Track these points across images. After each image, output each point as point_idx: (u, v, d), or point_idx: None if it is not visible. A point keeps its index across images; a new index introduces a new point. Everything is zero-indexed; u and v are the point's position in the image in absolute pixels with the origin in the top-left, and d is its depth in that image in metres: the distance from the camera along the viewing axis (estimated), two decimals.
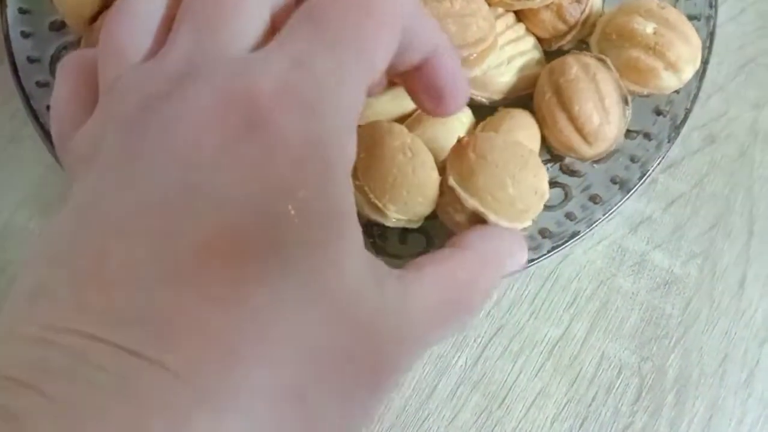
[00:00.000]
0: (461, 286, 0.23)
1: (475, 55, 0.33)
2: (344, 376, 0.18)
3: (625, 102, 0.36)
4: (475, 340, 0.38)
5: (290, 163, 0.18)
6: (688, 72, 0.35)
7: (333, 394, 0.18)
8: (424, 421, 0.37)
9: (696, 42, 0.35)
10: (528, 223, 0.33)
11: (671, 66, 0.35)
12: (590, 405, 0.37)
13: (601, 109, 0.34)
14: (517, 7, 0.36)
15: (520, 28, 0.38)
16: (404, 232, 0.36)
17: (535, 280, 0.39)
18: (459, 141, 0.33)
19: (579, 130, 0.35)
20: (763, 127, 0.44)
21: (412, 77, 0.25)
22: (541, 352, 0.38)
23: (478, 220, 0.32)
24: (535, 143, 0.36)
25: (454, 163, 0.32)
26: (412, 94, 0.26)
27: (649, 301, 0.40)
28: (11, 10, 0.37)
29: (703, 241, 0.41)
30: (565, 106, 0.35)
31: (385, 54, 0.21)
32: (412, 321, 0.21)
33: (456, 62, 0.25)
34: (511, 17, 0.38)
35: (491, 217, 0.32)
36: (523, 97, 0.38)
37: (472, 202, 0.31)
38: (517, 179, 0.31)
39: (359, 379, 0.19)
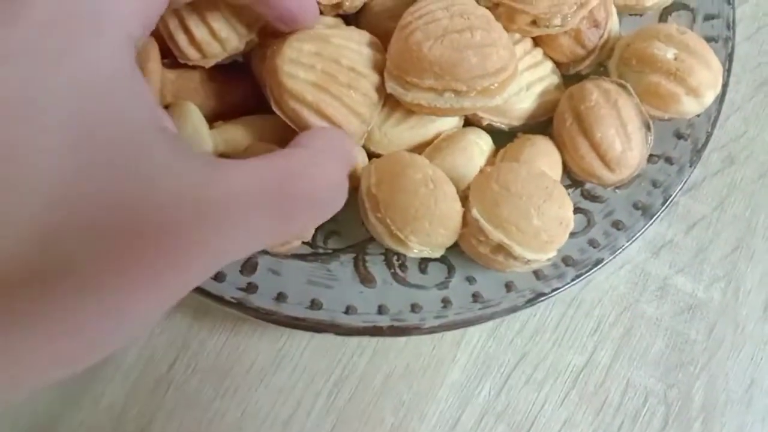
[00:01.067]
0: (286, 175, 0.22)
1: (496, 84, 0.32)
2: (127, 239, 0.17)
3: (647, 128, 0.35)
4: (498, 369, 0.38)
5: None
6: (710, 97, 0.35)
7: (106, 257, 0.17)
8: None
9: (717, 67, 0.35)
10: (553, 254, 0.33)
11: (692, 91, 0.34)
12: None
13: (624, 136, 0.34)
14: (536, 33, 0.36)
15: (538, 53, 0.38)
16: (424, 261, 0.36)
17: (558, 306, 0.39)
18: (482, 171, 0.32)
19: (601, 157, 0.34)
20: None
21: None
22: (566, 381, 0.38)
23: (501, 251, 0.32)
24: (557, 170, 0.35)
25: (477, 194, 0.32)
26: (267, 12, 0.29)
27: (673, 327, 0.39)
28: None
29: (725, 264, 0.41)
30: (587, 133, 0.34)
31: None
32: (219, 199, 0.20)
33: None
34: (528, 42, 0.38)
35: (516, 248, 0.31)
36: (541, 122, 0.38)
37: (496, 234, 0.31)
38: (542, 210, 0.31)
39: (148, 245, 0.18)
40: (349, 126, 0.32)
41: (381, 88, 0.33)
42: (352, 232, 0.36)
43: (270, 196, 0.21)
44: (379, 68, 0.33)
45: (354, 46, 0.32)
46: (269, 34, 0.33)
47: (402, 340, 0.38)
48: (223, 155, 0.35)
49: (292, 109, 0.32)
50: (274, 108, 0.33)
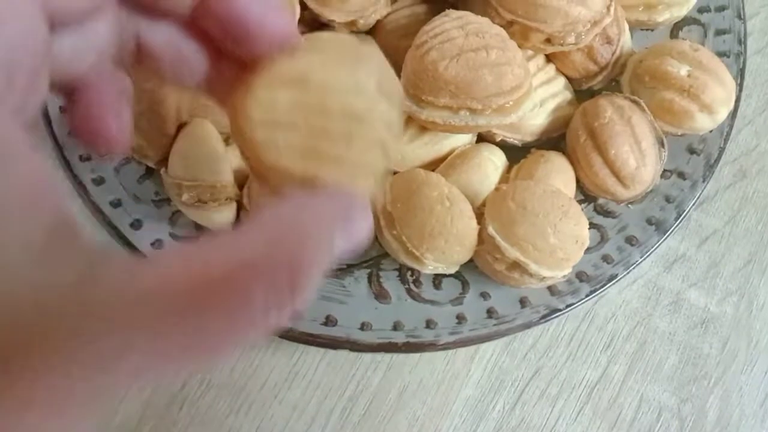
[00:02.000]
0: (203, 282, 0.16)
1: (511, 102, 0.32)
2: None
3: (661, 144, 0.35)
4: (512, 384, 0.38)
5: None
6: (723, 113, 0.35)
7: None
8: None
9: (730, 83, 0.35)
10: (568, 271, 0.33)
11: (706, 108, 0.35)
12: None
13: (638, 152, 0.34)
14: (550, 51, 0.36)
15: (551, 69, 0.38)
16: (438, 277, 0.36)
17: (571, 321, 0.39)
18: (497, 189, 0.32)
19: (615, 174, 0.34)
20: None
21: (205, 16, 0.20)
22: (580, 396, 0.38)
23: (517, 268, 0.32)
24: (571, 186, 0.36)
25: (493, 211, 0.32)
26: (227, 43, 0.21)
27: (686, 341, 0.39)
28: None
29: (738, 278, 0.41)
30: (601, 150, 0.34)
31: None
32: (88, 311, 0.15)
33: None
34: (541, 59, 0.38)
35: (532, 266, 0.31)
36: (554, 137, 0.38)
37: (513, 252, 0.31)
38: (559, 228, 0.31)
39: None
40: (356, 186, 0.21)
41: (394, 120, 0.22)
42: (366, 248, 0.37)
43: (173, 310, 0.15)
44: (388, 89, 0.21)
45: (345, 74, 0.20)
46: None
47: (416, 355, 0.38)
48: (241, 172, 0.35)
49: (277, 186, 0.21)
50: (254, 177, 0.25)
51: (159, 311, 0.15)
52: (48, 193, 0.16)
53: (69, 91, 0.21)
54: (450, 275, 0.36)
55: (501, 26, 0.34)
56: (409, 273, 0.36)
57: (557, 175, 0.35)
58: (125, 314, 0.15)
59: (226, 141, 0.35)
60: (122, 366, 0.15)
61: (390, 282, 0.36)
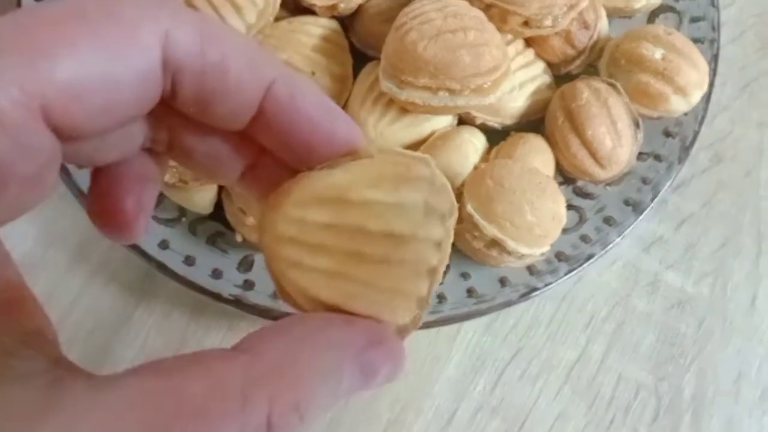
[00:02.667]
0: (183, 408, 0.14)
1: (489, 83, 0.33)
2: None
3: (637, 125, 0.36)
4: (492, 365, 0.38)
5: None
6: (697, 95, 0.36)
7: None
8: None
9: (703, 66, 0.36)
10: (546, 248, 0.33)
11: (680, 90, 0.35)
12: (609, 427, 0.37)
13: (614, 133, 0.35)
14: (528, 34, 0.36)
15: (530, 54, 0.39)
16: None
17: (551, 302, 0.40)
18: (476, 168, 0.33)
19: (592, 154, 0.35)
20: (767, 145, 0.44)
21: (263, 129, 0.18)
22: (559, 375, 0.38)
23: (496, 246, 0.33)
24: (549, 167, 0.36)
25: (471, 190, 0.32)
26: (281, 151, 0.19)
27: (663, 321, 0.40)
28: None
29: (714, 260, 0.41)
30: (578, 131, 0.35)
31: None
32: None
33: (313, 90, 0.18)
34: (521, 43, 0.39)
35: (510, 243, 0.32)
36: (533, 120, 0.39)
37: (491, 229, 0.32)
38: (536, 206, 0.31)
39: None
40: (391, 316, 0.18)
41: (444, 242, 0.18)
42: None
43: None
44: (437, 210, 0.18)
45: (389, 194, 0.18)
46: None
47: None
48: None
49: (299, 307, 0.19)
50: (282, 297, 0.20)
51: None
52: (18, 302, 0.15)
53: (91, 169, 0.19)
54: None
55: (480, 10, 0.35)
56: None
57: (536, 155, 0.35)
58: None
59: None
60: None
61: None
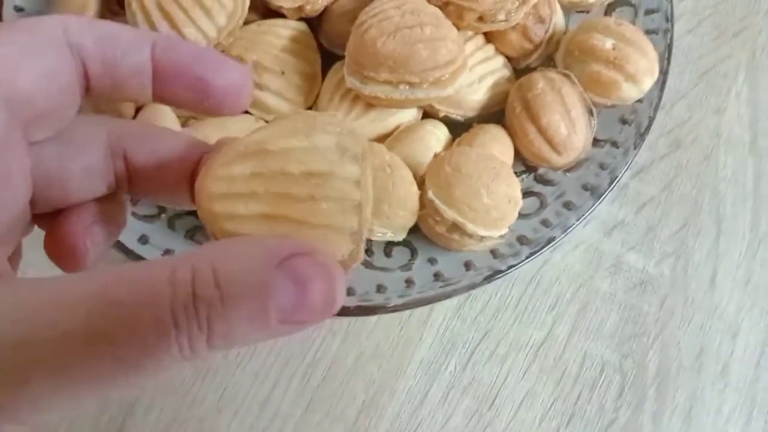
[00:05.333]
0: (120, 294, 0.16)
1: (447, 75, 0.35)
2: None
3: (590, 113, 0.38)
4: (463, 346, 0.40)
5: None
6: (647, 83, 0.38)
7: None
8: (417, 427, 0.38)
9: (653, 54, 0.38)
10: (504, 231, 0.35)
11: (631, 78, 0.37)
12: (576, 403, 0.39)
13: (568, 121, 0.37)
14: (484, 29, 0.38)
15: (490, 49, 0.41)
16: (389, 246, 0.38)
17: (518, 285, 0.41)
18: (436, 156, 0.35)
19: (548, 141, 0.37)
20: (725, 130, 0.46)
21: (165, 85, 0.21)
22: (527, 355, 0.40)
23: (457, 229, 0.34)
24: (508, 155, 0.38)
25: (431, 176, 0.34)
26: (184, 102, 0.22)
27: (626, 301, 0.41)
28: None
29: (674, 241, 0.43)
30: (534, 119, 0.37)
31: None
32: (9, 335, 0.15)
33: (189, 44, 0.22)
34: (480, 39, 0.40)
35: (469, 226, 0.34)
36: (495, 113, 0.40)
37: (450, 213, 0.33)
38: (491, 189, 0.33)
39: None
40: (333, 249, 0.20)
41: (363, 181, 0.20)
42: None
43: (74, 342, 0.15)
44: (352, 152, 0.20)
45: (301, 141, 0.20)
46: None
47: (372, 321, 0.40)
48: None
49: None
50: None
51: (58, 345, 0.15)
52: None
53: (51, 215, 0.22)
54: (400, 243, 0.38)
55: (437, 7, 0.37)
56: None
57: (494, 143, 0.37)
58: (18, 353, 0.15)
59: (183, 124, 0.37)
60: (21, 406, 0.15)
61: None
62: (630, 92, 0.38)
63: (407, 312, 0.40)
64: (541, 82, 0.37)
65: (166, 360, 0.16)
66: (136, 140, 0.22)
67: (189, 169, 0.22)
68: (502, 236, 0.35)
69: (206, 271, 0.16)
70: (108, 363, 0.15)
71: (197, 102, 0.21)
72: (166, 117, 0.36)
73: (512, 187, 0.34)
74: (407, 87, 0.35)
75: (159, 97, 0.21)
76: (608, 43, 0.37)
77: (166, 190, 0.23)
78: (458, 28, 0.37)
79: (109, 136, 0.22)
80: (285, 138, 0.20)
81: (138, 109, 0.37)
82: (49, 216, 0.22)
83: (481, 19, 0.37)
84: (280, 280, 0.16)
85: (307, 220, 0.19)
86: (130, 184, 0.22)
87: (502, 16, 0.36)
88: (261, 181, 0.19)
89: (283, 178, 0.19)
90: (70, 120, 0.20)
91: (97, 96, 0.21)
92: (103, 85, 0.20)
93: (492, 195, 0.33)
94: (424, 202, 0.35)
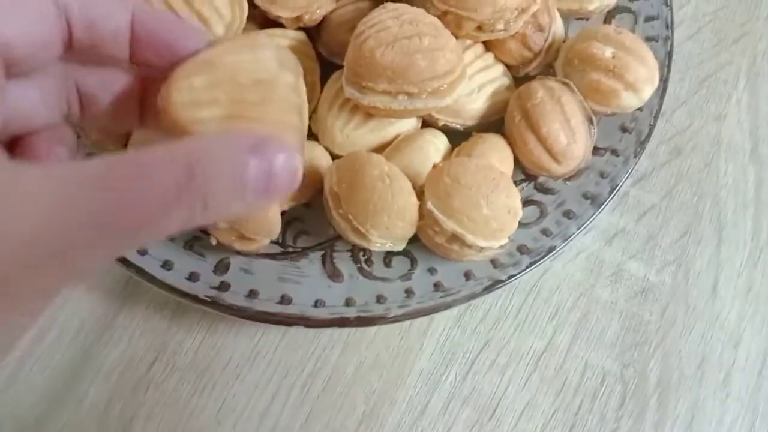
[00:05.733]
0: (120, 162, 0.19)
1: (445, 85, 0.35)
2: None
3: (590, 122, 0.38)
4: (463, 356, 0.40)
5: None
6: (647, 91, 0.38)
7: None
8: None
9: (652, 63, 0.38)
10: (504, 241, 0.35)
11: (630, 86, 0.37)
12: (577, 413, 0.39)
13: (568, 130, 0.37)
14: (483, 38, 0.38)
15: (489, 57, 0.41)
16: (389, 256, 0.38)
17: (518, 294, 0.41)
18: (435, 167, 0.35)
19: (548, 150, 0.37)
20: (725, 137, 0.46)
21: (139, 49, 0.24)
22: (528, 364, 0.40)
23: (456, 240, 0.34)
24: (508, 164, 0.38)
25: (431, 187, 0.34)
26: (155, 65, 0.24)
27: (627, 310, 0.41)
28: None
29: (675, 249, 0.43)
30: (534, 128, 0.37)
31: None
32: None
33: (165, 14, 0.25)
34: (480, 47, 0.40)
35: (469, 237, 0.33)
36: (495, 121, 0.40)
37: (449, 224, 0.33)
38: (491, 200, 0.33)
39: None
40: (285, 139, 0.24)
41: (298, 86, 0.25)
42: (319, 230, 0.39)
43: (90, 182, 0.18)
44: (288, 64, 0.25)
45: (247, 55, 0.25)
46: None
47: (372, 331, 0.40)
48: None
49: None
50: None
51: (66, 186, 0.18)
52: None
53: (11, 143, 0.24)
54: (399, 253, 0.38)
55: (436, 17, 0.36)
56: (362, 253, 0.38)
57: (493, 152, 0.37)
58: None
59: None
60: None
61: (343, 262, 0.38)
62: (630, 101, 0.38)
63: (407, 322, 0.40)
64: (540, 91, 0.37)
65: (170, 229, 0.19)
66: (88, 71, 0.24)
67: (137, 90, 0.25)
68: (502, 246, 0.35)
69: (196, 156, 0.19)
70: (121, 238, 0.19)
71: (166, 66, 0.24)
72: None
73: (511, 197, 0.34)
74: (406, 97, 0.35)
75: (133, 59, 0.24)
76: (608, 52, 0.37)
77: (115, 112, 0.25)
78: (457, 37, 0.37)
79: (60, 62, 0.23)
80: (233, 54, 0.24)
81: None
82: (8, 144, 0.24)
83: (479, 28, 0.37)
84: (252, 158, 0.20)
85: (263, 118, 0.23)
86: (82, 109, 0.25)
87: (500, 26, 0.36)
88: (218, 90, 0.23)
89: (237, 86, 0.24)
90: (46, 67, 0.23)
91: (79, 53, 0.23)
92: (83, 44, 0.23)
93: (491, 206, 0.33)
94: (423, 213, 0.34)
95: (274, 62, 0.24)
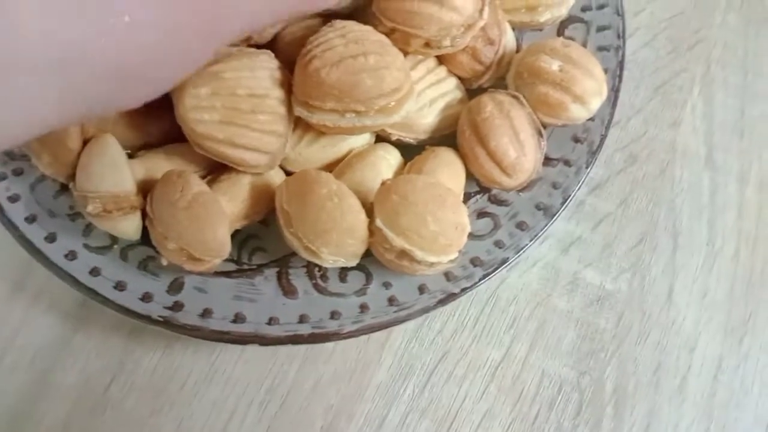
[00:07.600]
0: None
1: (393, 103, 0.35)
2: None
3: (540, 134, 0.38)
4: (421, 368, 0.40)
5: None
6: (595, 103, 0.38)
7: None
8: None
9: (600, 75, 0.38)
10: (454, 256, 0.35)
11: (578, 99, 0.37)
12: (534, 422, 0.39)
13: (517, 143, 0.37)
14: (433, 54, 0.38)
15: (442, 71, 0.41)
16: (344, 271, 0.38)
17: (475, 305, 0.41)
18: (383, 184, 0.35)
19: (498, 164, 0.37)
20: (680, 144, 0.47)
21: None
22: (485, 375, 0.40)
23: (406, 256, 0.34)
24: (459, 179, 0.38)
25: (379, 205, 0.34)
26: None
27: (583, 318, 0.42)
28: None
29: (631, 256, 0.43)
30: (483, 143, 0.37)
31: None
32: None
33: None
34: (432, 61, 0.41)
35: (417, 253, 0.34)
36: (449, 135, 0.40)
37: (398, 241, 0.34)
38: (438, 216, 0.33)
39: None
40: (267, 146, 0.35)
41: (286, 100, 0.35)
42: (276, 247, 0.39)
43: None
44: (280, 82, 0.35)
45: (247, 73, 0.34)
46: None
47: (329, 346, 0.40)
48: (145, 183, 0.37)
49: (209, 148, 0.34)
50: (195, 148, 0.35)
51: None
52: None
53: None
54: (355, 268, 0.38)
55: (384, 34, 0.37)
56: (317, 269, 0.38)
57: (445, 168, 0.37)
58: None
59: (130, 155, 0.37)
60: None
61: (299, 279, 0.38)
62: (578, 113, 0.38)
63: (365, 336, 0.40)
64: (489, 105, 0.37)
65: None
66: None
67: None
68: (452, 261, 0.35)
69: None
70: None
71: None
72: (111, 147, 0.36)
73: (458, 213, 0.34)
74: (354, 115, 0.35)
75: None
76: (555, 65, 0.38)
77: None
78: (406, 54, 0.37)
79: None
80: (236, 71, 0.33)
81: (86, 142, 0.37)
82: None
83: (427, 45, 0.37)
84: None
85: (251, 126, 0.33)
86: None
87: (447, 42, 0.36)
88: (219, 99, 0.33)
89: (234, 97, 0.33)
90: None
91: None
92: None
93: (438, 222, 0.33)
94: (372, 230, 0.35)
95: (269, 79, 0.34)
